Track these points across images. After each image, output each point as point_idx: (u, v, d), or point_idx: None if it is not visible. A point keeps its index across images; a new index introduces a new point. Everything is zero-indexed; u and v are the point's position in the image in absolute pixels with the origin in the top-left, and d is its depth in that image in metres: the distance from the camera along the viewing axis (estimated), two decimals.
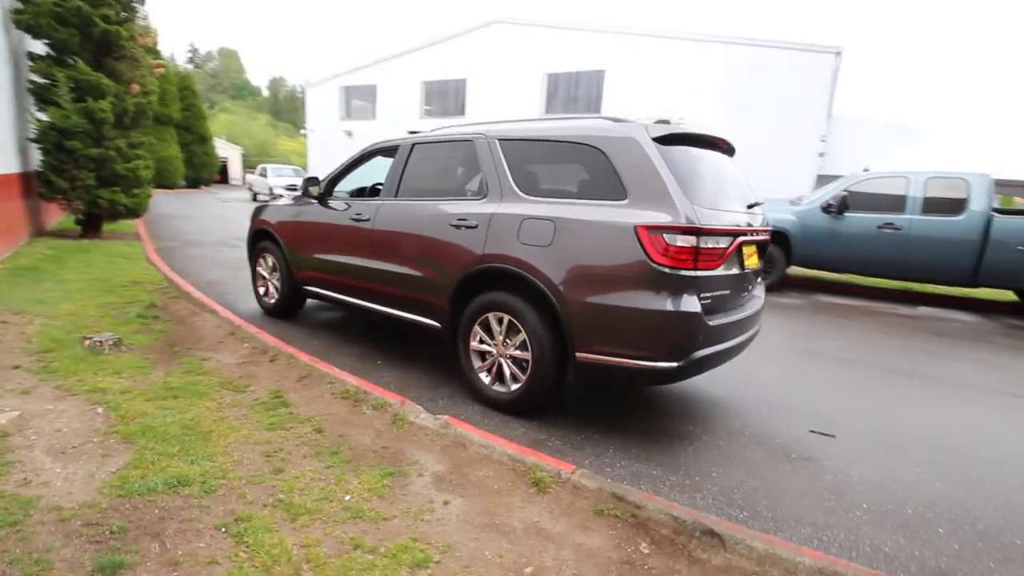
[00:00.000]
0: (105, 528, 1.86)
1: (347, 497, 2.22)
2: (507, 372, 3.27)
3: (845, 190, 7.21)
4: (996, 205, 6.78)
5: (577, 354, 2.93)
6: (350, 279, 4.25)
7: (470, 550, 1.96)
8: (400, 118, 22.78)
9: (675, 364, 2.76)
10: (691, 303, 2.73)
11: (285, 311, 5.13)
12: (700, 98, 16.17)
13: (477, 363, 3.42)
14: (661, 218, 2.69)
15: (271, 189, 21.25)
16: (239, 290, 6.19)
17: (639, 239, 2.70)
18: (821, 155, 15.55)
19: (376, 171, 4.68)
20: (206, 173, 29.04)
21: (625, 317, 2.78)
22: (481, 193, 3.42)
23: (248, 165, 45.06)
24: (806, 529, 2.30)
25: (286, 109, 77.53)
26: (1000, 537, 2.30)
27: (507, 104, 19.64)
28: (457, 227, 3.41)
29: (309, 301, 5.42)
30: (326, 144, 25.02)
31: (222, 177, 37.86)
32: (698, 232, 2.67)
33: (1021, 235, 6.19)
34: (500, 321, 3.25)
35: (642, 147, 2.84)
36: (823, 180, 15.23)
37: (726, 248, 2.85)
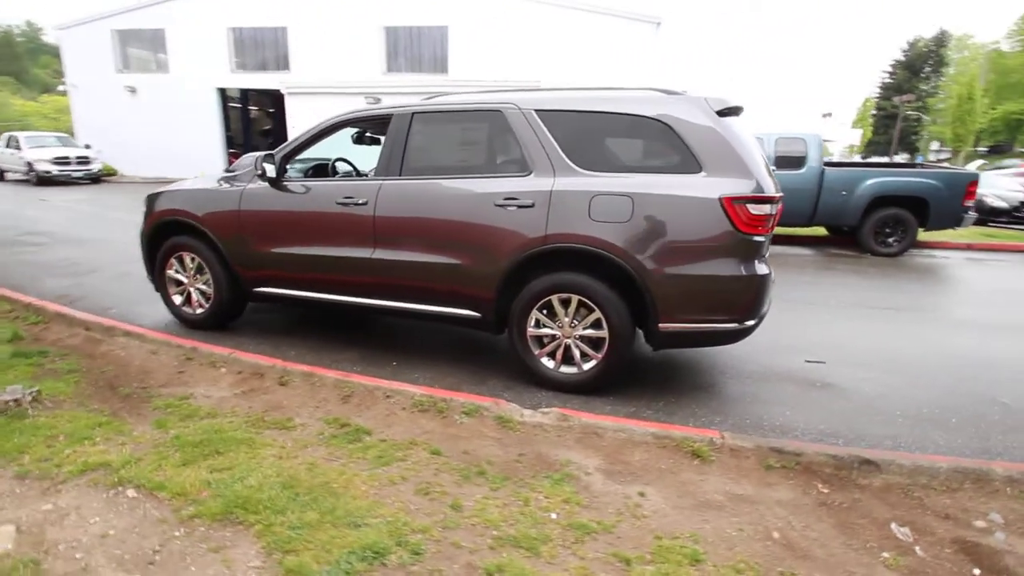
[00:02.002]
0: None
1: (553, 515, 2.03)
2: (576, 354, 3.21)
3: None
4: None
5: (660, 325, 3.02)
6: (340, 275, 3.64)
7: (713, 532, 1.98)
8: (205, 73, 19.16)
9: (752, 322, 3.04)
10: (763, 266, 3.01)
11: (220, 321, 4.19)
12: (541, 60, 16.74)
13: (536, 348, 3.29)
14: (742, 188, 2.86)
15: (30, 165, 16.36)
16: (119, 301, 4.84)
17: (724, 209, 2.85)
18: None
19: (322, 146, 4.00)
20: None
21: (711, 284, 2.94)
22: (523, 168, 3.20)
23: None
24: (887, 441, 2.80)
25: (1, 57, 59.31)
26: (995, 421, 3.09)
27: (342, 60, 17.84)
28: (503, 207, 3.16)
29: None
30: (100, 104, 19.90)
31: None
32: (771, 200, 2.92)
33: (843, 183, 7.95)
34: (565, 302, 3.15)
35: (709, 120, 2.95)
36: None
37: (776, 212, 3.16)
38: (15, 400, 2.69)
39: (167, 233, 4.17)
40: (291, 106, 16.94)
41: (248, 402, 2.93)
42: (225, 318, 4.21)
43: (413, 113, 3.49)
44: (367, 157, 4.67)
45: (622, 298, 3.05)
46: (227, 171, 4.84)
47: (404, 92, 16.74)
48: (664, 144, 3.02)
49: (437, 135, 3.54)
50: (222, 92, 19.91)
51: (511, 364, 3.60)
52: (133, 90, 19.62)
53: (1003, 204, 11.83)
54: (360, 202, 3.49)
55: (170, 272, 4.23)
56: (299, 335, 4.19)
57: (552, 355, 3.27)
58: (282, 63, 18.77)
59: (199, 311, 4.20)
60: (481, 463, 2.37)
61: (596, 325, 3.13)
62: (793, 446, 2.48)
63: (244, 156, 12.89)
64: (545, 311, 3.22)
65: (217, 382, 3.17)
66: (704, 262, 2.92)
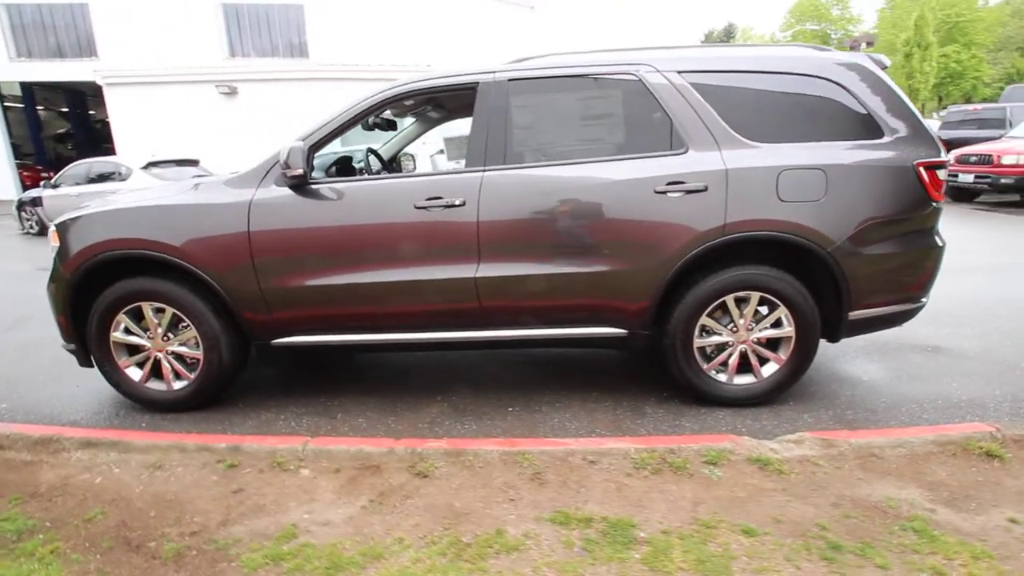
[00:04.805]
0: None
1: None
2: (754, 361, 2.72)
3: None
4: None
5: (851, 314, 2.66)
6: (423, 304, 2.68)
7: None
8: None
9: (926, 300, 2.82)
10: (940, 237, 2.79)
11: (212, 395, 2.89)
12: (413, 43, 15.64)
13: (702, 361, 2.73)
14: (930, 152, 2.60)
15: None
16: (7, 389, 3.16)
17: (918, 177, 2.56)
18: None
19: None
20: None
21: (903, 261, 2.66)
22: (675, 145, 2.58)
23: None
24: None
25: None
26: None
27: (170, 42, 14.71)
28: (665, 194, 2.52)
29: None
30: None
31: None
32: (946, 163, 2.71)
33: None
34: (741, 302, 2.64)
35: (883, 79, 2.63)
36: None
37: None
38: None
39: (107, 277, 2.73)
40: (114, 100, 13.49)
41: (401, 518, 1.92)
42: (221, 388, 2.91)
43: (509, 80, 2.64)
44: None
45: (809, 289, 2.63)
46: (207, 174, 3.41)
47: (258, 79, 14.51)
48: (840, 107, 2.61)
49: (548, 108, 2.73)
50: None
51: (647, 381, 3.03)
52: None
53: None
54: (455, 203, 2.55)
55: (116, 335, 2.79)
56: (331, 389, 3.07)
57: (724, 366, 2.75)
58: (86, 48, 14.90)
59: (179, 385, 2.85)
60: (815, 532, 1.78)
61: (777, 324, 2.67)
62: None
63: (74, 164, 9.90)
64: (717, 317, 2.68)
65: (315, 495, 2.07)
66: (899, 238, 2.62)
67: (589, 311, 2.68)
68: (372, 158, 3.39)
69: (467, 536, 1.80)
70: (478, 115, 2.64)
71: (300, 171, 2.47)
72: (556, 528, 1.83)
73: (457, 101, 3.29)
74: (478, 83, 2.65)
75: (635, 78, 2.61)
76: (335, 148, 3.62)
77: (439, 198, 2.57)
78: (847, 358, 3.37)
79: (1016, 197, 9.44)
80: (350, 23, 15.52)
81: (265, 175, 2.66)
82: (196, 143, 12.33)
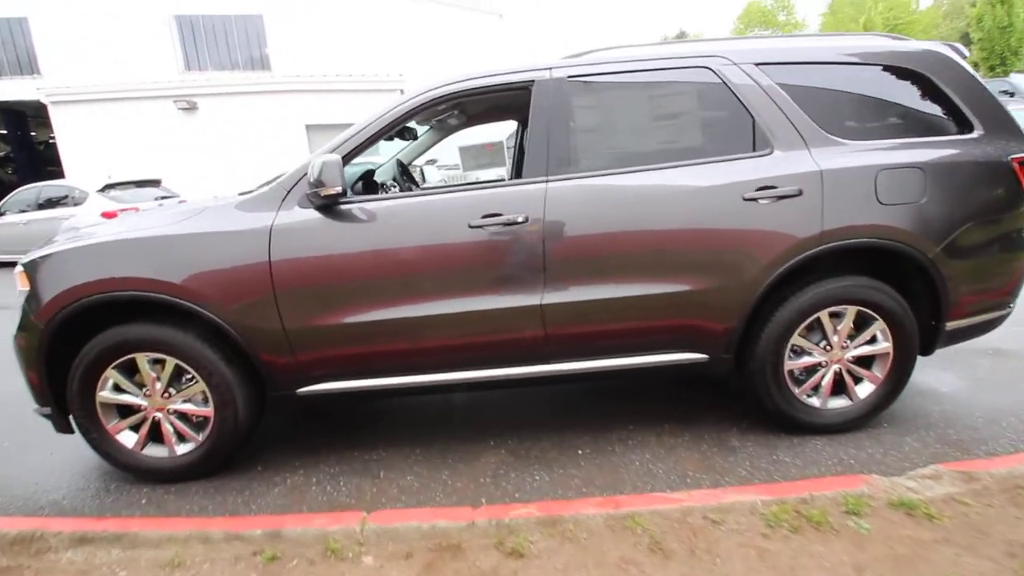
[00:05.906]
0: None
1: None
2: (849, 381, 2.46)
3: None
4: None
5: (949, 324, 2.44)
6: (479, 337, 2.31)
7: None
8: None
9: (1013, 305, 2.63)
10: None
11: (223, 458, 2.43)
12: (388, 54, 15.19)
13: (793, 385, 2.45)
14: (1022, 147, 2.41)
15: None
16: None
17: (1015, 173, 2.37)
18: None
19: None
20: None
21: (1001, 265, 2.46)
22: (760, 145, 2.30)
23: None
24: None
25: None
26: None
27: (120, 57, 13.74)
28: (755, 200, 2.24)
29: None
30: None
31: None
32: None
33: None
34: (835, 318, 2.38)
35: (966, 67, 2.43)
36: None
37: None
38: None
39: (90, 325, 2.24)
40: (61, 119, 12.45)
41: None
42: (234, 449, 2.44)
43: (569, 78, 2.31)
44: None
45: (908, 299, 2.39)
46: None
47: (219, 93, 13.76)
48: (926, 100, 2.40)
49: (614, 108, 2.42)
50: None
51: (717, 408, 2.74)
52: None
53: None
54: (516, 220, 2.20)
55: (104, 395, 2.30)
56: (363, 439, 2.64)
57: (815, 390, 2.47)
58: (27, 65, 13.75)
59: (184, 449, 2.38)
60: None
61: (872, 341, 2.42)
62: None
63: (20, 189, 8.98)
64: (806, 336, 2.41)
65: None
66: (995, 239, 2.42)
67: (669, 336, 2.36)
68: (399, 172, 2.99)
69: None
70: (536, 118, 2.29)
71: (338, 188, 2.06)
72: None
73: (494, 103, 2.96)
74: (533, 81, 2.31)
75: (710, 72, 2.33)
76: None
77: (497, 215, 2.21)
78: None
79: None
80: (313, 34, 14.92)
81: (287, 195, 2.24)
82: (155, 162, 11.51)
